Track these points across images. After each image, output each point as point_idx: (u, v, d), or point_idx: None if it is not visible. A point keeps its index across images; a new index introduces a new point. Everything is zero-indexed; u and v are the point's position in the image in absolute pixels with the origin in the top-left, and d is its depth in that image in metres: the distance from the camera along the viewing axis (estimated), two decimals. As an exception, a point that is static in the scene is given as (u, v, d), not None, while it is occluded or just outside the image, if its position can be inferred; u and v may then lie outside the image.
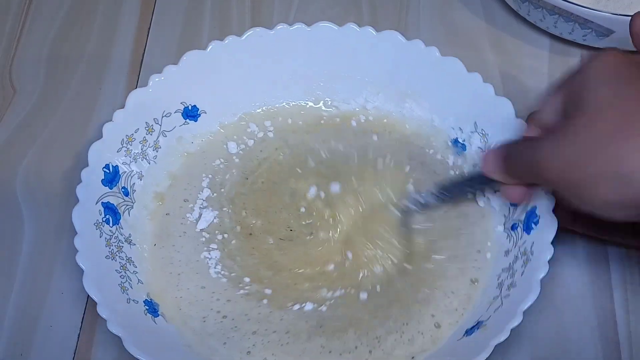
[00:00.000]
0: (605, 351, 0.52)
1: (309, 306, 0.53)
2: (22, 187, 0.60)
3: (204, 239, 0.56)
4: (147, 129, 0.57)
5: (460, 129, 0.58)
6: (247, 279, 0.54)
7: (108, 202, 0.54)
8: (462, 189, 0.55)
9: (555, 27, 0.64)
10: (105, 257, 0.52)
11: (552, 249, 0.49)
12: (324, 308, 0.53)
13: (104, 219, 0.53)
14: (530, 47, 0.67)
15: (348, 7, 0.70)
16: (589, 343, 0.52)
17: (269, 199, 0.58)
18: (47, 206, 0.59)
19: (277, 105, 0.62)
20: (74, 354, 0.53)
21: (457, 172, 0.58)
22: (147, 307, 0.51)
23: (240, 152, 0.60)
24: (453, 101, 0.58)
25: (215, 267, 0.54)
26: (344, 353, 0.51)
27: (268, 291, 0.53)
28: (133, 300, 0.51)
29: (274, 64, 0.60)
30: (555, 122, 0.45)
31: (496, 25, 0.68)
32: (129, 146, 0.56)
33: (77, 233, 0.50)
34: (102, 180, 0.54)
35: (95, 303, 0.48)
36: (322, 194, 0.57)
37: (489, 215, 0.56)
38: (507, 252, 0.53)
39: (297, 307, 0.53)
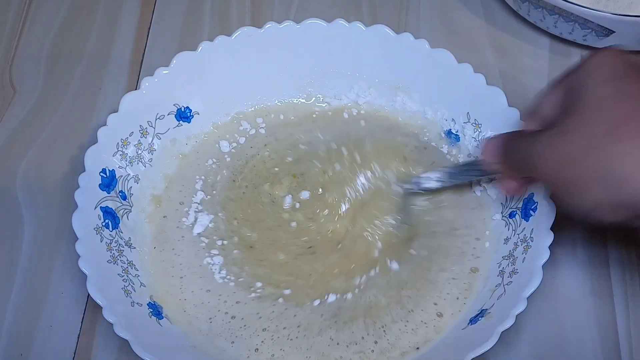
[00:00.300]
0: (605, 351, 0.52)
1: (332, 298, 0.53)
2: (21, 187, 0.60)
3: (203, 244, 0.56)
4: (141, 132, 0.57)
5: (453, 120, 0.59)
6: (259, 284, 0.54)
7: (107, 206, 0.54)
8: (461, 174, 0.55)
9: (555, 27, 0.64)
10: (107, 262, 0.51)
11: (552, 234, 0.49)
12: (349, 295, 0.53)
13: (104, 224, 0.53)
14: (530, 47, 0.67)
15: (348, 7, 0.70)
16: (589, 343, 0.52)
17: (254, 206, 0.58)
18: (47, 206, 0.59)
19: (270, 104, 0.62)
20: (74, 354, 0.53)
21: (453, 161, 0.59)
22: (151, 310, 0.51)
23: (232, 150, 0.60)
24: (445, 93, 0.59)
25: (219, 272, 0.54)
26: (351, 344, 0.51)
27: (287, 292, 0.53)
28: (137, 304, 0.51)
29: (264, 62, 0.60)
30: (554, 117, 0.45)
31: (496, 25, 0.68)
32: (124, 150, 0.56)
33: (78, 238, 0.50)
34: (99, 185, 0.54)
35: (97, 305, 0.48)
36: (306, 194, 0.58)
37: (486, 204, 0.56)
38: (506, 240, 0.53)
39: (317, 302, 0.53)
